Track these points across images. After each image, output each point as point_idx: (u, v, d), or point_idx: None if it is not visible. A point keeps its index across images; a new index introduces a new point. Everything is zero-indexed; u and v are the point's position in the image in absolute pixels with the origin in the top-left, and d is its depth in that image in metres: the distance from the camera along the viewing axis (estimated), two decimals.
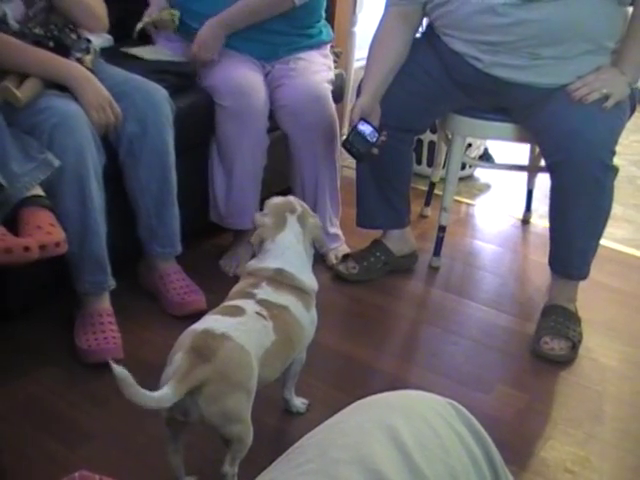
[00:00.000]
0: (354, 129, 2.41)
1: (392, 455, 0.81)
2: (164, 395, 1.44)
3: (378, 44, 2.53)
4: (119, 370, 1.38)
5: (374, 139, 2.41)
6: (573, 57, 2.31)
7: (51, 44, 2.21)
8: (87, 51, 2.26)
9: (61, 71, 2.16)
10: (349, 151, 2.43)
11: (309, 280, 1.89)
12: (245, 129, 2.55)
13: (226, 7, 2.59)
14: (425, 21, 2.61)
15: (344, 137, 2.48)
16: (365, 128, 2.40)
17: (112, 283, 2.25)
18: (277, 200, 1.94)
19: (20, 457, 1.80)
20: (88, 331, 2.19)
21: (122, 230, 2.30)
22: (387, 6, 2.54)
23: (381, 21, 2.55)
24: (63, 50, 2.21)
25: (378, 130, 2.42)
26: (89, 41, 2.30)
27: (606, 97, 2.25)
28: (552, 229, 2.43)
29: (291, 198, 1.96)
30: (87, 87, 2.15)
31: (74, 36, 2.27)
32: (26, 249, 1.78)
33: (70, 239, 1.98)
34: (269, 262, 1.84)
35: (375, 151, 2.44)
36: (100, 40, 2.37)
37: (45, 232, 1.87)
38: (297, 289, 1.83)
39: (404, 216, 2.80)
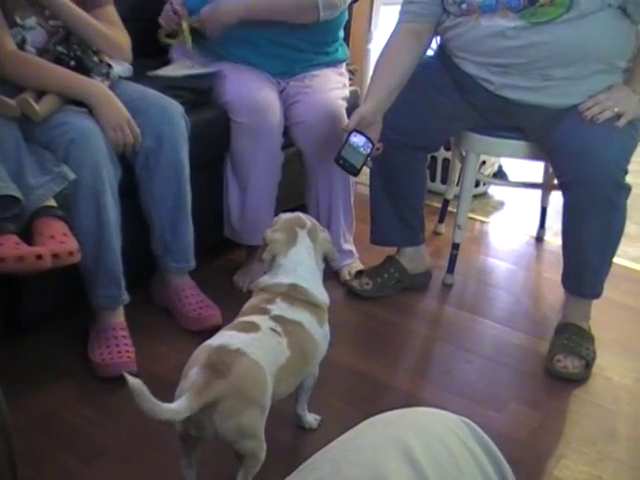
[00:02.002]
0: (346, 141, 2.35)
1: (406, 472, 0.81)
2: (178, 407, 1.45)
3: (386, 58, 2.52)
4: (133, 381, 1.39)
5: (368, 150, 2.36)
6: (584, 77, 2.31)
7: (72, 63, 2.23)
8: (107, 76, 2.28)
9: (81, 89, 2.18)
10: (341, 166, 2.38)
11: (322, 295, 1.89)
12: (260, 146, 2.56)
13: None
14: (437, 41, 2.62)
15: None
16: (358, 140, 2.35)
17: (126, 297, 2.25)
18: (286, 216, 1.95)
19: (34, 471, 1.81)
20: (102, 345, 2.20)
21: (137, 245, 2.31)
22: (398, 22, 2.55)
23: (391, 36, 2.54)
24: (84, 70, 2.22)
25: (372, 142, 2.37)
26: (110, 66, 2.31)
27: (618, 116, 2.25)
28: (565, 247, 2.42)
29: (299, 214, 1.97)
30: (106, 106, 2.16)
31: (96, 59, 2.29)
32: (38, 257, 1.80)
33: (85, 253, 1.99)
34: (282, 277, 1.84)
35: (369, 164, 2.43)
36: (121, 68, 2.38)
37: (58, 242, 1.89)
38: (311, 304, 1.83)
39: (418, 234, 2.80)
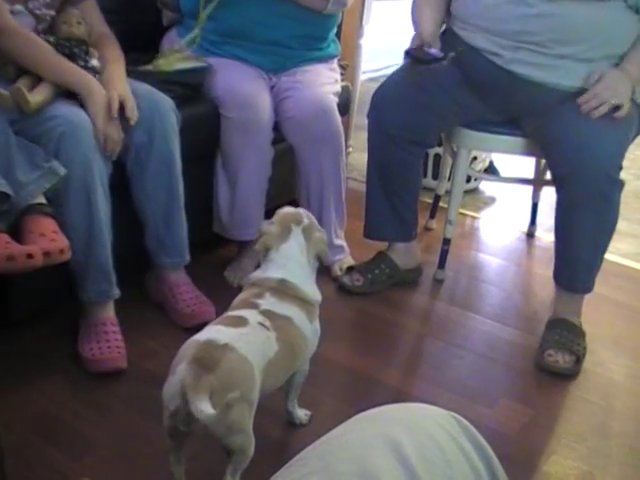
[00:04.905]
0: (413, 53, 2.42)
1: (395, 468, 0.81)
2: (209, 414, 1.44)
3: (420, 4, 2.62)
4: None
5: (440, 55, 2.40)
6: (592, 60, 2.32)
7: (66, 52, 2.20)
8: (93, 70, 2.25)
9: (76, 77, 2.14)
10: (412, 57, 2.42)
11: (312, 291, 1.88)
12: (250, 141, 2.55)
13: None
14: (443, 27, 2.63)
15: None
16: (428, 51, 2.41)
17: (117, 292, 2.24)
18: (286, 210, 1.94)
19: (23, 466, 1.80)
20: (92, 340, 2.19)
21: (129, 240, 2.30)
22: None
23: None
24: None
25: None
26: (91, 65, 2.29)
27: (615, 108, 2.25)
28: (557, 242, 2.43)
29: (301, 210, 1.96)
30: (98, 98, 2.13)
31: (83, 53, 2.26)
32: (29, 256, 1.78)
33: (75, 248, 1.98)
34: (272, 272, 1.84)
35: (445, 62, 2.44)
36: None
37: (49, 239, 1.87)
38: (300, 300, 1.83)
39: (411, 229, 2.79)
